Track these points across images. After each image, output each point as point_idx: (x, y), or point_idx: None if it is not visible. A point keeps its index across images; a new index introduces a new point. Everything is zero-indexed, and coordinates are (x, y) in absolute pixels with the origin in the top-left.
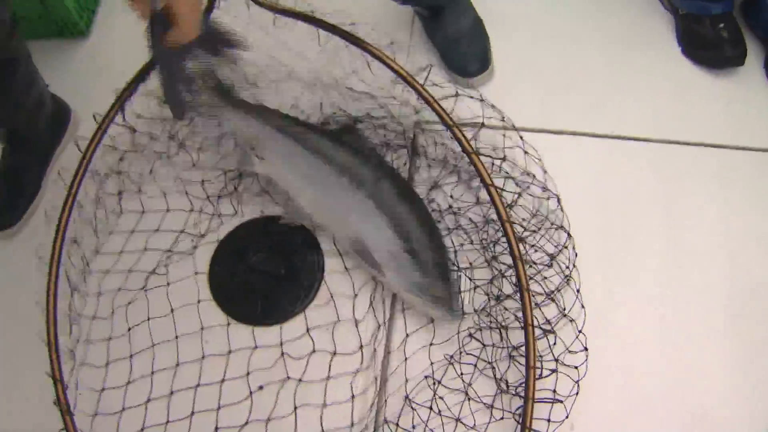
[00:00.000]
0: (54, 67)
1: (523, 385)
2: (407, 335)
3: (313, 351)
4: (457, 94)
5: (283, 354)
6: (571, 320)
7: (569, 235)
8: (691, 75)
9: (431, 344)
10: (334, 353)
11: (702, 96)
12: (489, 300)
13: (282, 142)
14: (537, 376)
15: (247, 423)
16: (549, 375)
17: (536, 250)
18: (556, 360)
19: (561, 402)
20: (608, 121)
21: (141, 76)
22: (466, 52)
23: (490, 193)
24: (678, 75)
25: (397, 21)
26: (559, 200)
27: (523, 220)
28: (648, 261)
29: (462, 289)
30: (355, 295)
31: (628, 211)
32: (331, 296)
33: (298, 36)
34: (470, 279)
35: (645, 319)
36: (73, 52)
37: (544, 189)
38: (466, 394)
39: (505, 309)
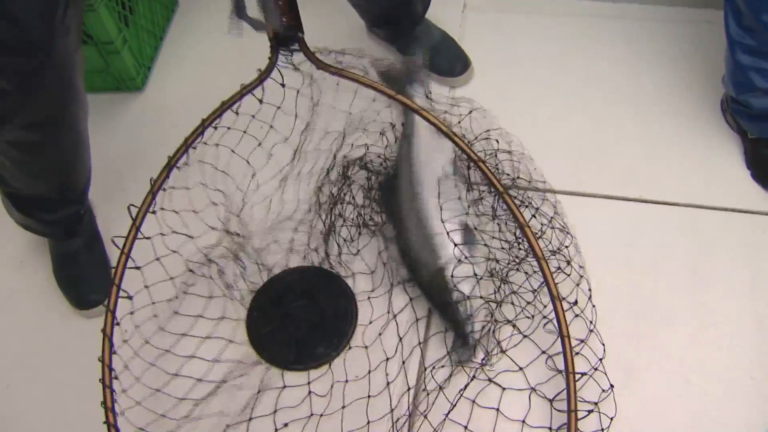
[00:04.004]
0: (111, 118)
1: None
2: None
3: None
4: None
5: (310, 393)
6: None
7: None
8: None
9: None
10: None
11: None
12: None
13: None
14: None
15: None
16: None
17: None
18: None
19: None
20: (636, 185)
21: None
22: (449, 57)
23: (527, 237)
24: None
25: None
26: (576, 247)
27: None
28: (674, 323)
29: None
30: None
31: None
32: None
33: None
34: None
35: (670, 380)
36: (129, 105)
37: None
38: None
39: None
